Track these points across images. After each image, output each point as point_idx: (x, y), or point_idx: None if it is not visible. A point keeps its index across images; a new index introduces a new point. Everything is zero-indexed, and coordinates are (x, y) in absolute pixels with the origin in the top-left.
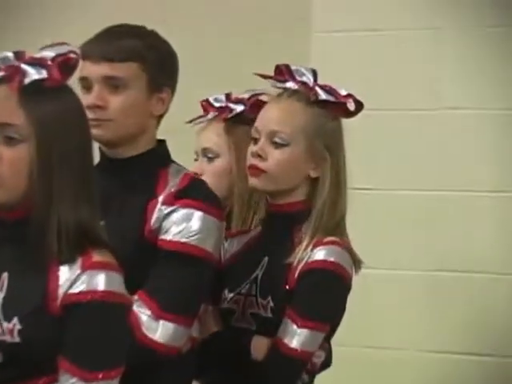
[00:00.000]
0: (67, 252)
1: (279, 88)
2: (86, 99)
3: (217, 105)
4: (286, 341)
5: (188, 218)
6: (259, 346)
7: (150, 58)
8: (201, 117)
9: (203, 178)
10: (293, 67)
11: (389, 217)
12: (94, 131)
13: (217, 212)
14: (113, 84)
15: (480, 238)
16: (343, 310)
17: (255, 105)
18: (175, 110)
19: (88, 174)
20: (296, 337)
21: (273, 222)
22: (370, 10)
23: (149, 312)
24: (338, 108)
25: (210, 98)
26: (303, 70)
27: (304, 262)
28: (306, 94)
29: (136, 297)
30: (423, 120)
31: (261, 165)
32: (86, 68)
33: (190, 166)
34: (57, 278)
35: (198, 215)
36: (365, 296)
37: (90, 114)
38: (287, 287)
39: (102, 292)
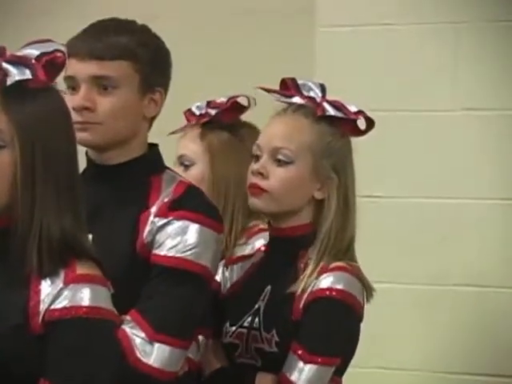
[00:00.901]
0: (49, 265)
1: (283, 102)
2: (72, 100)
3: (197, 112)
4: (292, 378)
5: (183, 231)
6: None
7: (142, 56)
8: (184, 127)
9: None
10: (300, 81)
11: (400, 226)
12: (81, 135)
13: (214, 224)
14: (102, 84)
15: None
16: (355, 341)
17: (231, 108)
18: (170, 112)
19: (73, 181)
20: (302, 373)
21: (275, 248)
22: (378, 3)
23: (143, 334)
24: (347, 125)
25: (193, 106)
26: (311, 84)
27: (309, 290)
28: (312, 110)
29: (128, 317)
30: (437, 122)
31: (262, 184)
32: (72, 66)
33: None
34: (38, 292)
35: (194, 228)
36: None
37: (76, 117)
38: (293, 319)
39: (87, 308)
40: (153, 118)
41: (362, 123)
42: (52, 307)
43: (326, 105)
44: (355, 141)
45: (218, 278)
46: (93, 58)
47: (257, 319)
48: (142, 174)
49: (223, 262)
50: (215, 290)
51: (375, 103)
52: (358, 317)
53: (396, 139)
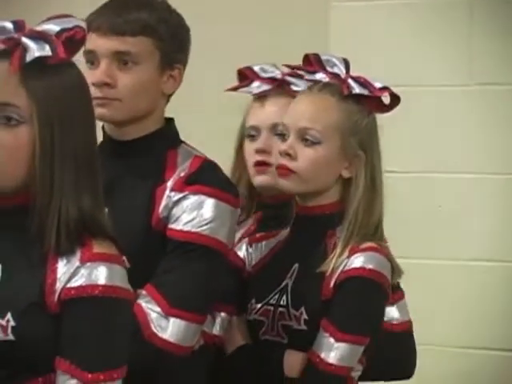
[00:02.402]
0: (66, 243)
1: (308, 80)
2: (91, 75)
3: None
4: (322, 355)
5: (199, 206)
6: (293, 362)
7: (162, 32)
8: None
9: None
10: (323, 57)
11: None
12: (100, 111)
13: (231, 198)
14: (122, 60)
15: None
16: (382, 321)
17: None
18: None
19: (92, 159)
20: (334, 351)
21: (303, 226)
22: None
23: (158, 309)
24: (373, 102)
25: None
26: (334, 59)
27: (340, 269)
28: (338, 88)
29: (144, 291)
30: (452, 97)
31: (291, 165)
32: (92, 41)
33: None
34: (55, 271)
35: (210, 202)
36: None
37: (96, 92)
38: (322, 297)
39: (103, 286)
40: (171, 94)
41: (386, 99)
42: (68, 285)
43: (350, 81)
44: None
45: (242, 255)
46: (114, 34)
47: (284, 296)
48: (158, 148)
49: (247, 239)
50: (239, 268)
51: (391, 79)
52: (387, 295)
53: (410, 114)
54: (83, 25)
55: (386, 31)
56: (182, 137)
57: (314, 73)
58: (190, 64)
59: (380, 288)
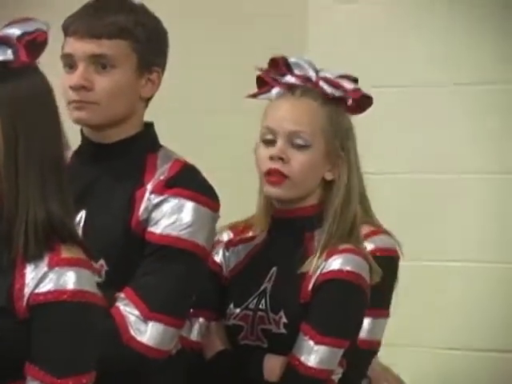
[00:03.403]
0: (35, 248)
1: (282, 84)
2: (69, 79)
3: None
4: (302, 359)
5: (179, 210)
6: (273, 366)
7: (140, 35)
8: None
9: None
10: (291, 59)
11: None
12: (78, 114)
13: (210, 202)
14: (100, 63)
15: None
16: (362, 323)
17: None
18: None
19: (58, 164)
20: (313, 354)
21: (281, 229)
22: None
23: (137, 312)
24: (346, 104)
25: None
26: (302, 62)
27: (318, 272)
28: (318, 91)
29: (122, 294)
30: (435, 97)
31: (285, 170)
32: (70, 45)
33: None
34: (23, 276)
35: (189, 206)
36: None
37: (73, 96)
38: (301, 300)
39: (71, 291)
40: (149, 98)
41: (360, 101)
42: (36, 291)
43: (322, 84)
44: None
45: (219, 259)
46: (90, 37)
47: (263, 300)
48: (137, 151)
49: (223, 244)
50: (216, 272)
51: (373, 80)
52: (366, 297)
53: (394, 115)
54: (45, 27)
55: (371, 29)
56: (176, 140)
57: (282, 75)
58: (174, 66)
59: (358, 290)
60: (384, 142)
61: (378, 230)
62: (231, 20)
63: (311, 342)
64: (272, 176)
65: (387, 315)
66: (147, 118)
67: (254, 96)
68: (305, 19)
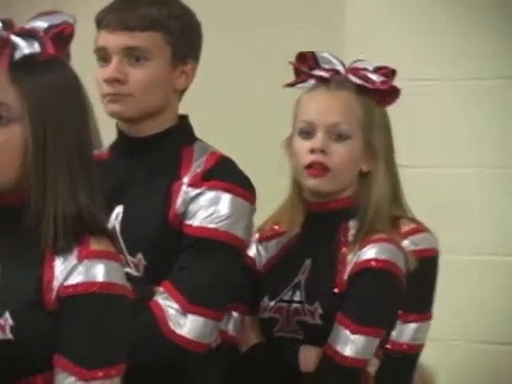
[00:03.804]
0: (63, 241)
1: (316, 76)
2: (103, 72)
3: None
4: (338, 348)
5: (216, 202)
6: (309, 357)
7: (173, 27)
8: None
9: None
10: (318, 54)
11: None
12: (113, 107)
13: (247, 194)
14: (133, 55)
15: None
16: (397, 312)
17: None
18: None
19: (86, 156)
20: (349, 344)
21: (315, 222)
22: None
23: (176, 305)
24: (376, 96)
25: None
26: (329, 56)
27: (353, 261)
28: (352, 83)
29: (161, 288)
30: (474, 91)
31: (327, 162)
32: (103, 38)
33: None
34: (52, 268)
35: (226, 198)
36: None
37: (107, 89)
38: (336, 291)
39: (101, 283)
40: (183, 90)
41: (391, 93)
42: (66, 283)
43: (351, 76)
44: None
45: (252, 254)
46: (124, 29)
47: (298, 292)
48: (173, 145)
49: (256, 238)
50: (249, 266)
51: (409, 73)
52: (402, 286)
53: (431, 108)
54: (72, 20)
55: (401, 24)
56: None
57: (310, 69)
58: (208, 62)
59: (394, 278)
60: (419, 134)
61: (418, 228)
62: (267, 15)
63: (347, 332)
64: (314, 169)
65: (430, 317)
66: (187, 112)
67: (292, 85)
68: (342, 14)
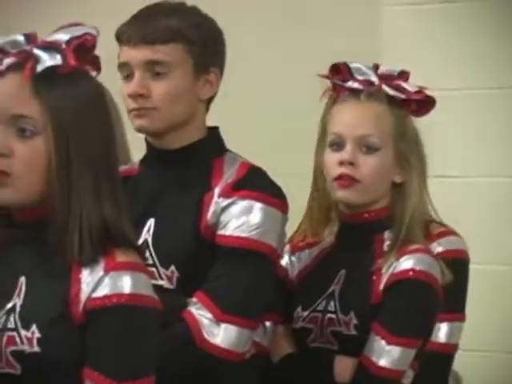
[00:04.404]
0: (90, 253)
1: (346, 87)
2: (127, 87)
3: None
4: (374, 359)
5: (248, 211)
6: (344, 367)
7: (193, 37)
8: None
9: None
10: (352, 65)
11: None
12: (138, 122)
13: (279, 203)
14: (155, 69)
15: None
16: (434, 323)
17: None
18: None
19: (111, 168)
20: (385, 354)
21: (350, 232)
22: None
23: (209, 315)
24: (410, 106)
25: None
26: (363, 67)
27: (389, 272)
28: (383, 94)
29: (194, 299)
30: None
31: (356, 174)
32: (124, 53)
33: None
34: (79, 281)
35: (258, 207)
36: None
37: (132, 104)
38: (372, 301)
39: (128, 295)
40: (209, 100)
41: (424, 103)
42: (93, 296)
43: (385, 87)
44: (427, 121)
45: (285, 263)
46: (144, 43)
47: (332, 302)
48: (203, 156)
49: (289, 248)
50: (282, 276)
51: (443, 83)
52: (438, 297)
53: (463, 118)
54: (94, 32)
55: (437, 34)
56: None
57: (344, 81)
58: (247, 70)
59: (430, 289)
60: (451, 145)
61: (447, 231)
62: (304, 24)
63: (383, 342)
64: (343, 180)
65: (463, 319)
66: (219, 123)
67: (328, 77)
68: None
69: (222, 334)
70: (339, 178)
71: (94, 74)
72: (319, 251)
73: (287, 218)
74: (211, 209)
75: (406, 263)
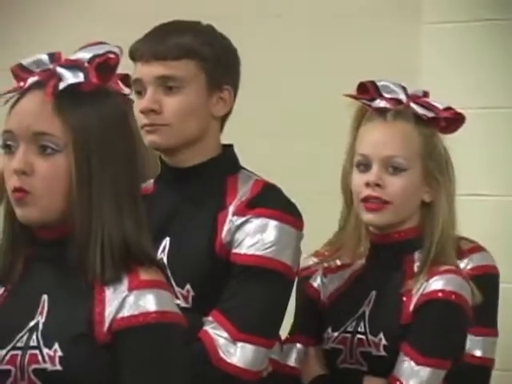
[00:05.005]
0: (112, 271)
1: (372, 107)
2: (139, 103)
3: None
4: (403, 380)
5: (262, 229)
6: None
7: (207, 54)
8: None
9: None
10: (379, 83)
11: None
12: (150, 137)
13: (294, 220)
14: (167, 84)
15: None
16: (465, 344)
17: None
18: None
19: (132, 185)
20: (414, 375)
21: (380, 253)
22: None
23: (225, 334)
24: (439, 124)
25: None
26: (392, 85)
27: (419, 293)
28: (410, 113)
29: (210, 318)
30: None
31: (384, 195)
32: (138, 70)
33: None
34: (102, 300)
35: (273, 225)
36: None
37: (144, 120)
38: (401, 322)
39: (155, 313)
40: (224, 118)
41: (453, 120)
42: (119, 316)
43: (414, 106)
44: (459, 138)
45: (316, 285)
46: (157, 59)
47: (362, 323)
48: (217, 174)
49: (321, 270)
50: (313, 298)
51: (481, 101)
52: (469, 318)
53: (500, 136)
54: (116, 50)
55: (476, 52)
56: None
57: (372, 100)
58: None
59: (461, 310)
60: (476, 163)
61: (477, 247)
62: (343, 42)
63: (412, 363)
64: (371, 203)
65: (496, 334)
66: (240, 141)
67: (355, 97)
68: (418, 42)
69: (238, 354)
70: (366, 200)
71: (126, 91)
72: (351, 273)
73: (302, 235)
74: (226, 227)
75: (436, 284)
